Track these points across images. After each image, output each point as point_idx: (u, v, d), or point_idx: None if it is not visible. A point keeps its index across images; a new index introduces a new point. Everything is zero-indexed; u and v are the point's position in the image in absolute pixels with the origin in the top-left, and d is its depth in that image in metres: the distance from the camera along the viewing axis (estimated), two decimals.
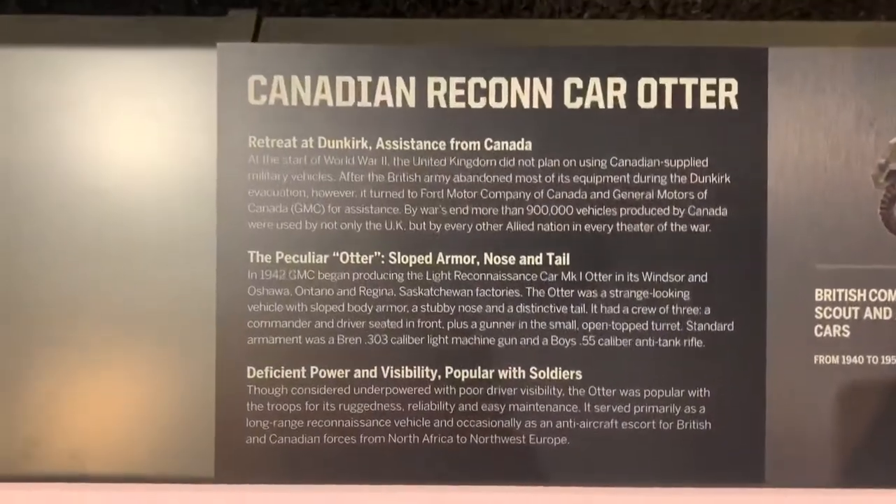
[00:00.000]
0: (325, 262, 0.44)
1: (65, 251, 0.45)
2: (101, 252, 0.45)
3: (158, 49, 0.46)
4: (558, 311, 0.45)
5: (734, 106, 0.44)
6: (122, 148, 0.46)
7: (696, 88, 0.44)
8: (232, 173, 0.44)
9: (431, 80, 0.45)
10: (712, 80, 0.44)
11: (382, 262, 0.45)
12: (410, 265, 0.45)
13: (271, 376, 0.44)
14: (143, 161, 0.46)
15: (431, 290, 0.45)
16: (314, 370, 0.44)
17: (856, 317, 0.45)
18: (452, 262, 0.45)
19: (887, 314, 0.45)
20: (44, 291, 0.45)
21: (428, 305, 0.45)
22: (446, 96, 0.45)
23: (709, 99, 0.44)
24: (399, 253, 0.45)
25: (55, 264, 0.45)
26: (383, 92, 0.44)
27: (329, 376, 0.44)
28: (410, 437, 0.45)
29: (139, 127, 0.46)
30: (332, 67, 0.44)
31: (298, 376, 0.44)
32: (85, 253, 0.45)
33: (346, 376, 0.44)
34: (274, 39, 0.46)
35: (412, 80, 0.45)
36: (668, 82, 0.44)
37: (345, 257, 0.44)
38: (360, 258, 0.45)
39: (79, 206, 0.45)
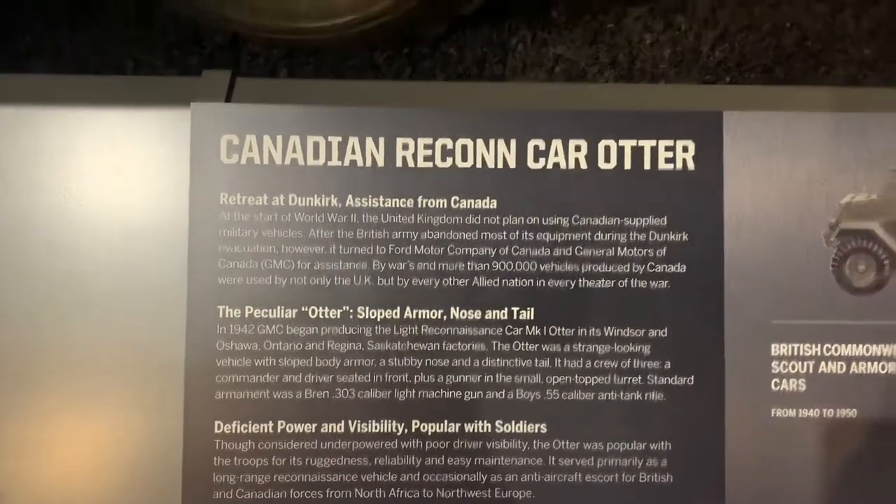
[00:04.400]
0: (293, 316, 0.45)
1: (33, 303, 0.46)
2: (69, 305, 0.46)
3: (133, 108, 0.47)
4: (523, 365, 0.45)
5: (691, 166, 0.46)
6: (95, 203, 0.46)
7: (654, 150, 0.46)
8: (203, 229, 0.45)
9: (400, 141, 0.46)
10: (670, 142, 0.46)
11: (351, 316, 0.45)
12: (378, 319, 0.45)
13: (239, 431, 0.45)
14: (116, 216, 0.46)
15: (399, 344, 0.45)
16: (281, 424, 0.45)
17: (811, 371, 0.46)
18: (420, 316, 0.45)
19: (841, 368, 0.46)
20: (10, 343, 0.45)
21: (395, 359, 0.45)
22: (414, 156, 0.46)
23: (667, 160, 0.46)
24: (367, 307, 0.45)
25: (23, 316, 0.46)
26: (353, 151, 0.46)
27: (296, 431, 0.45)
28: (377, 491, 0.45)
29: (113, 183, 0.47)
30: (304, 127, 0.46)
31: (266, 431, 0.45)
32: (54, 305, 0.46)
33: (314, 431, 0.45)
34: (248, 99, 0.48)
35: (381, 140, 0.46)
36: (628, 144, 0.46)
37: (314, 312, 0.45)
38: (328, 313, 0.45)
39: (50, 260, 0.46)
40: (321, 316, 0.45)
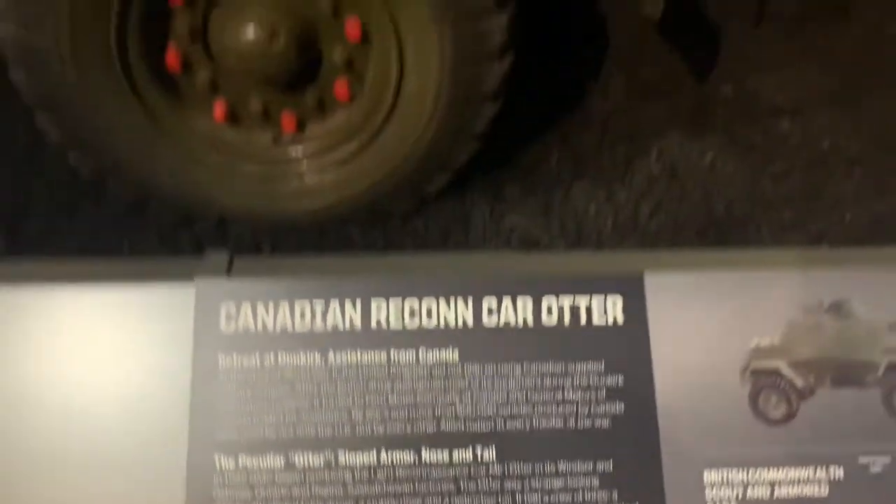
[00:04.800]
0: (282, 465, 0.51)
1: (46, 461, 0.50)
2: (78, 459, 0.50)
3: (142, 285, 0.55)
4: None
5: (620, 319, 0.55)
6: (104, 369, 0.52)
7: (588, 308, 0.55)
8: (203, 389, 0.52)
9: (374, 302, 0.54)
10: (601, 298, 0.55)
11: (332, 463, 0.51)
12: (357, 465, 0.51)
13: None
14: (124, 380, 0.52)
15: (376, 486, 0.51)
16: None
17: (741, 495, 0.52)
18: (394, 459, 0.51)
19: (767, 492, 0.52)
20: (23, 496, 0.50)
21: (373, 502, 0.51)
22: (387, 317, 0.54)
23: (600, 314, 0.55)
24: (347, 451, 0.51)
25: (35, 471, 0.50)
26: (334, 314, 0.54)
27: None
28: None
29: (123, 350, 0.53)
30: (292, 294, 0.54)
31: None
32: (63, 462, 0.50)
33: None
34: (244, 274, 0.56)
35: (358, 301, 0.54)
36: (566, 302, 0.55)
37: (299, 460, 0.51)
38: (312, 459, 0.51)
39: (62, 421, 0.51)
40: (306, 464, 0.51)
